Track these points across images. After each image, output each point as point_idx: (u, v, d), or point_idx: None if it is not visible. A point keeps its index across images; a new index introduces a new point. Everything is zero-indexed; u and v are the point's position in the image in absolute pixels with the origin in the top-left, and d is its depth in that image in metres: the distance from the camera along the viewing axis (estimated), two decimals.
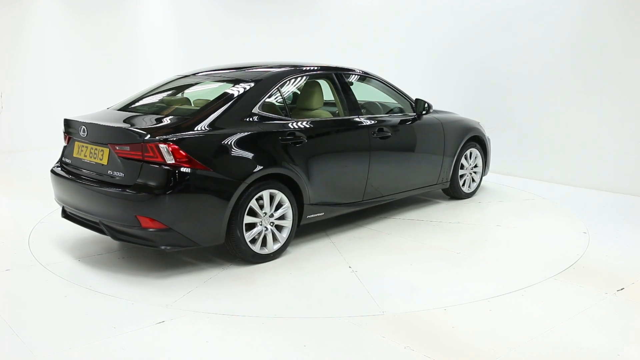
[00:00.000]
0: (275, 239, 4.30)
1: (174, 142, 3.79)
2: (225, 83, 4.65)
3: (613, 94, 6.56)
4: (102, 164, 4.06)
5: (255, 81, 4.44)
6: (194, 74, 5.03)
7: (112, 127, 4.06)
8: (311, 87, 4.91)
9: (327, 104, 5.19)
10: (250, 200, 4.05)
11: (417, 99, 5.54)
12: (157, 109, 4.58)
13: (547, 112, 7.16)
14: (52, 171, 4.55)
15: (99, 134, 4.11)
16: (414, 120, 5.47)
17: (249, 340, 3.14)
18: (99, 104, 6.31)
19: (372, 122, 5.06)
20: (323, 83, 5.02)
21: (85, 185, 4.10)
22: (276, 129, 4.31)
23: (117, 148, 3.91)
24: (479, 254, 4.55)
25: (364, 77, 5.41)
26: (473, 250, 4.60)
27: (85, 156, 4.23)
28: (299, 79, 4.83)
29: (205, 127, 4.00)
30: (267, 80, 4.48)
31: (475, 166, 6.24)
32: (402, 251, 4.58)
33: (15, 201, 6.13)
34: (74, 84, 10.12)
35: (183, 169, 3.78)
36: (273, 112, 4.46)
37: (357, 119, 4.98)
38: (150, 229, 3.77)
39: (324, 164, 4.60)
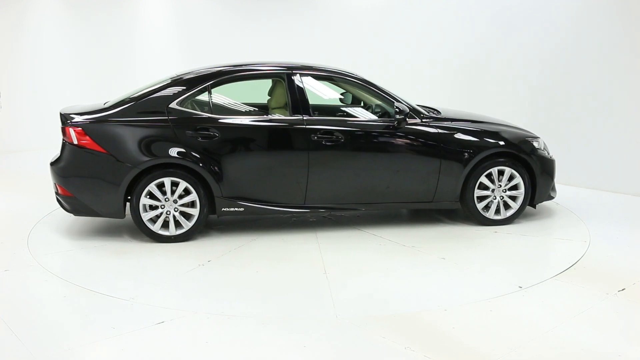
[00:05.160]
0: (179, 224, 4.70)
1: (80, 126, 4.57)
2: (175, 80, 4.89)
3: (613, 94, 6.55)
4: None
5: (185, 79, 4.84)
6: (189, 72, 5.07)
7: (61, 113, 4.76)
8: (264, 86, 5.18)
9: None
10: (149, 184, 4.60)
11: (396, 105, 4.92)
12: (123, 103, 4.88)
13: (546, 112, 7.16)
14: None
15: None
16: (393, 127, 4.92)
17: (249, 340, 3.13)
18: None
19: (319, 125, 4.80)
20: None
21: None
22: (186, 123, 4.66)
23: (61, 130, 4.75)
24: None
25: (340, 78, 5.15)
26: (342, 274, 4.10)
27: None
28: (240, 78, 4.95)
29: (115, 116, 4.65)
30: (194, 79, 4.84)
31: (514, 188, 5.19)
32: (284, 259, 4.41)
33: (14, 201, 6.12)
34: (74, 83, 10.12)
35: (85, 150, 4.57)
36: (195, 109, 4.80)
37: (293, 121, 4.80)
38: (63, 195, 4.70)
39: (241, 161, 4.74)
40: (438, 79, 8.26)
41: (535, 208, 5.51)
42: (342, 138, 4.84)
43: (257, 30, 10.43)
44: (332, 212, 5.45)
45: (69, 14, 10.07)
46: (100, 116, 4.65)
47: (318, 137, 4.79)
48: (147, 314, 3.42)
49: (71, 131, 4.60)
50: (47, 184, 6.44)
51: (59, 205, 4.99)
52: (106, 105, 4.83)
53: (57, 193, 4.79)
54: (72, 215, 5.37)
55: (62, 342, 3.10)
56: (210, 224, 5.28)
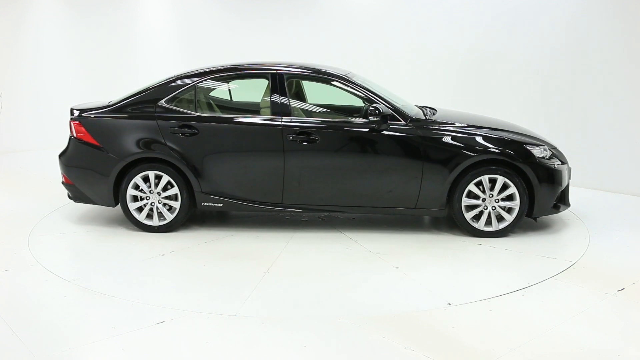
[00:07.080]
0: (162, 215, 4.96)
1: (78, 120, 4.99)
2: (168, 79, 5.10)
3: (614, 95, 6.56)
4: None
5: (177, 78, 5.05)
6: (184, 72, 5.15)
7: (71, 108, 5.12)
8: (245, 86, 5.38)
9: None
10: (134, 176, 4.89)
11: (375, 106, 4.74)
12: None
13: (546, 112, 7.16)
14: None
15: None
16: (373, 129, 4.78)
17: (249, 340, 3.14)
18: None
19: (296, 126, 4.79)
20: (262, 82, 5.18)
21: None
22: (170, 120, 4.89)
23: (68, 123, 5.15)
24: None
25: (328, 79, 5.00)
26: (280, 275, 4.08)
27: None
28: (226, 79, 5.13)
29: (110, 112, 5.00)
30: (182, 78, 5.04)
31: (509, 199, 4.79)
32: (240, 256, 4.44)
33: (15, 201, 6.12)
34: (74, 83, 10.11)
35: (81, 142, 4.98)
36: (184, 107, 4.98)
37: (271, 120, 4.83)
38: (66, 183, 5.14)
39: (219, 159, 4.88)
40: (440, 79, 8.25)
41: (535, 221, 5.21)
42: (318, 139, 4.79)
43: (257, 30, 10.43)
44: (330, 214, 5.44)
45: (70, 14, 10.07)
46: (97, 112, 5.01)
47: (294, 138, 4.78)
48: (147, 314, 3.43)
49: (72, 125, 5.03)
50: (47, 184, 6.46)
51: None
52: (110, 103, 5.10)
53: (62, 182, 5.19)
54: (71, 216, 5.47)
55: (62, 342, 3.11)
56: (207, 218, 5.29)
